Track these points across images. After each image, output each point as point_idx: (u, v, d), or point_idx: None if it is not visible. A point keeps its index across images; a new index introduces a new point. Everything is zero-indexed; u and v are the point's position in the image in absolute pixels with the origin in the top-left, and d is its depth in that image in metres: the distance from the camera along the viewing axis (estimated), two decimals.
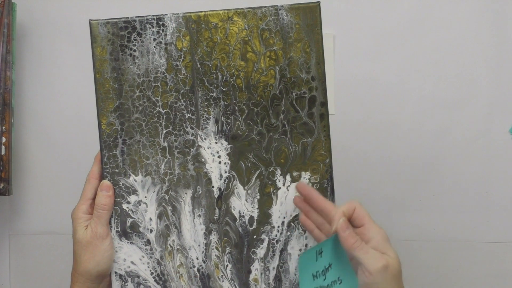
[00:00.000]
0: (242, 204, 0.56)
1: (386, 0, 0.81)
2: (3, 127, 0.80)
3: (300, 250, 0.56)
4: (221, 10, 0.55)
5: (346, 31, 0.81)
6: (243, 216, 0.56)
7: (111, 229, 0.55)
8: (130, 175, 0.55)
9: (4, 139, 0.80)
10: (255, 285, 0.56)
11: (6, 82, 0.80)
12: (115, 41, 0.55)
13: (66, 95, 0.87)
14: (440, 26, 0.81)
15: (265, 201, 0.56)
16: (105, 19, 0.55)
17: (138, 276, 0.56)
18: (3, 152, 0.80)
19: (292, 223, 0.56)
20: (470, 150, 0.81)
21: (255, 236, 0.56)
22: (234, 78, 0.55)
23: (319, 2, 0.55)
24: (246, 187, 0.56)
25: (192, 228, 0.56)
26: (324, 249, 0.52)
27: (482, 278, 0.83)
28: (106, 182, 0.55)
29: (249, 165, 0.55)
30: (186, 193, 0.56)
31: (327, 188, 0.56)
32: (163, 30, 0.55)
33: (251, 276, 0.56)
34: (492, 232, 0.82)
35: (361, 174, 0.81)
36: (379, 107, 0.82)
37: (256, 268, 0.56)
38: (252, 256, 0.56)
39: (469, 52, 0.81)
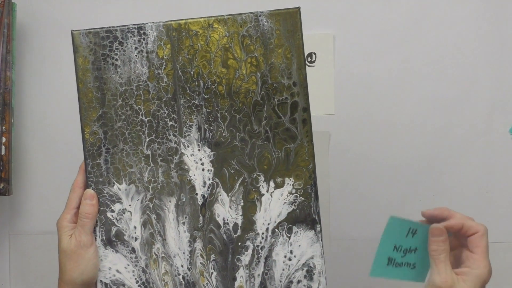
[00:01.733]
0: (226, 211, 0.56)
1: (386, 0, 0.82)
2: (3, 127, 0.80)
3: (285, 256, 0.56)
4: (201, 17, 0.55)
5: (346, 31, 0.82)
6: (227, 223, 0.56)
7: (96, 238, 0.56)
8: (114, 183, 0.56)
9: (4, 139, 0.80)
10: None
11: (6, 82, 0.80)
12: (97, 51, 0.55)
13: (66, 95, 0.87)
14: (440, 26, 0.81)
15: (249, 207, 0.55)
16: (87, 29, 0.55)
17: (124, 285, 0.56)
18: (3, 152, 0.80)
19: (276, 230, 0.56)
20: (470, 150, 0.81)
21: (239, 243, 0.56)
22: (215, 85, 0.55)
23: (299, 8, 0.55)
24: (229, 194, 0.55)
25: (177, 235, 0.56)
26: (419, 231, 0.53)
27: None
28: (89, 191, 0.55)
29: (233, 171, 0.55)
30: (170, 200, 0.56)
31: (311, 194, 0.55)
32: (144, 39, 0.55)
33: (236, 283, 0.55)
34: (492, 232, 0.81)
35: (361, 174, 0.82)
36: (379, 107, 0.82)
37: (241, 275, 0.55)
38: (237, 263, 0.56)
39: (469, 52, 0.81)
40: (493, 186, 0.82)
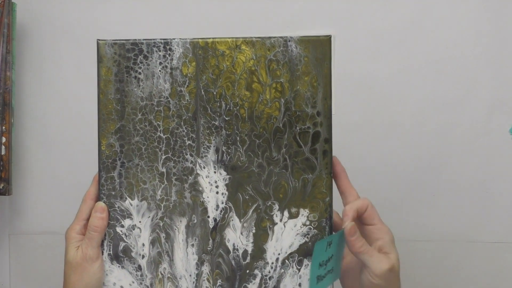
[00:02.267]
0: (237, 236, 0.54)
1: (386, 0, 0.82)
2: (3, 127, 0.80)
3: None
4: (229, 37, 0.54)
5: (346, 31, 0.82)
6: (237, 249, 0.54)
7: (103, 252, 0.55)
8: (126, 198, 0.55)
9: (4, 139, 0.80)
10: None
11: (6, 82, 0.80)
12: (121, 63, 0.54)
13: (66, 95, 0.88)
14: (440, 26, 0.81)
15: (261, 235, 0.54)
16: (113, 40, 0.54)
17: None
18: (3, 152, 0.80)
19: (286, 261, 0.54)
20: (470, 150, 0.82)
21: (247, 271, 0.54)
22: (238, 107, 0.54)
23: (330, 36, 0.53)
24: (242, 220, 0.54)
25: (185, 257, 0.55)
26: (333, 241, 0.53)
27: (482, 278, 0.84)
28: (100, 204, 0.54)
29: (247, 197, 0.54)
30: (181, 221, 0.55)
31: (325, 227, 0.54)
32: (169, 55, 0.54)
33: None
34: (492, 232, 0.83)
35: (361, 174, 0.80)
36: (378, 107, 0.82)
37: None
38: None
39: (469, 52, 0.81)
40: (493, 186, 0.82)
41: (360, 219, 0.54)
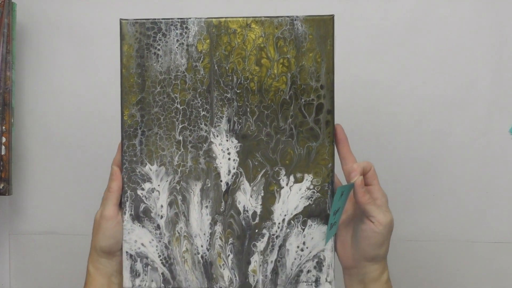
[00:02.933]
0: (247, 199, 0.59)
1: (386, 0, 0.82)
2: (3, 127, 0.80)
3: (298, 247, 0.59)
4: (240, 17, 0.59)
5: (346, 31, 0.81)
6: (247, 211, 0.60)
7: (125, 212, 0.60)
8: (146, 164, 0.60)
9: (4, 139, 0.80)
10: (253, 276, 0.60)
11: (6, 82, 0.80)
12: (142, 40, 0.59)
13: (66, 95, 0.87)
14: (440, 26, 0.81)
15: (269, 198, 0.59)
16: (134, 19, 0.59)
17: (147, 257, 0.60)
18: (3, 152, 0.80)
19: (292, 221, 0.59)
20: (470, 150, 0.82)
21: (256, 230, 0.60)
22: (248, 81, 0.59)
23: (333, 16, 0.58)
24: (251, 184, 0.59)
25: (199, 217, 0.60)
26: (345, 192, 0.57)
27: (482, 278, 0.83)
28: (115, 169, 0.60)
29: (256, 163, 0.59)
30: (196, 184, 0.60)
31: (327, 191, 0.59)
32: (186, 33, 0.59)
33: (250, 267, 0.60)
34: (492, 232, 0.83)
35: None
36: (379, 107, 0.82)
37: (255, 260, 0.60)
38: (253, 248, 0.60)
39: (469, 52, 0.81)
40: (493, 186, 0.82)
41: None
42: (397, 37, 0.81)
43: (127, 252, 0.60)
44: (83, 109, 0.87)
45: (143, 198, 0.60)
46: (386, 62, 0.82)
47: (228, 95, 0.59)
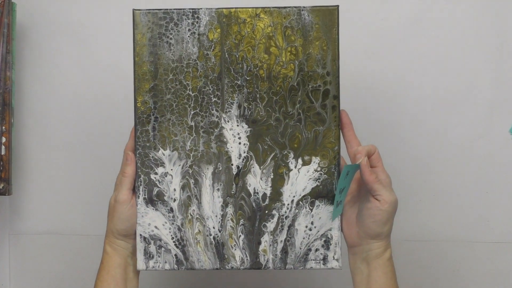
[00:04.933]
0: (257, 181, 0.62)
1: (386, 0, 0.82)
2: (3, 127, 0.79)
3: (306, 226, 0.62)
4: (250, 7, 0.61)
5: (346, 31, 0.78)
6: (257, 193, 0.62)
7: (139, 196, 0.62)
8: (159, 149, 0.62)
9: (4, 139, 0.80)
10: (264, 255, 0.62)
11: (6, 82, 0.79)
12: (154, 29, 0.61)
13: (66, 94, 0.87)
14: (441, 26, 0.81)
15: (278, 180, 0.62)
16: (147, 9, 0.61)
17: (160, 240, 0.62)
18: (3, 152, 0.79)
19: (300, 202, 0.62)
20: (470, 150, 0.82)
21: (266, 211, 0.62)
22: (257, 69, 0.61)
23: (337, 6, 0.61)
24: (261, 167, 0.62)
25: (211, 200, 0.62)
26: (350, 172, 0.59)
27: (482, 278, 0.83)
28: (129, 154, 0.62)
29: (266, 147, 0.62)
30: (207, 168, 0.62)
31: (334, 173, 0.62)
32: (197, 22, 0.61)
33: (261, 247, 0.62)
34: (492, 232, 0.83)
35: None
36: (378, 107, 0.82)
37: (265, 240, 0.62)
38: (263, 229, 0.62)
39: (469, 52, 0.81)
40: (493, 186, 0.82)
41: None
42: (398, 37, 0.82)
43: (140, 235, 0.62)
44: (83, 109, 0.87)
45: (157, 182, 0.62)
46: (386, 62, 0.82)
47: (239, 82, 0.62)
